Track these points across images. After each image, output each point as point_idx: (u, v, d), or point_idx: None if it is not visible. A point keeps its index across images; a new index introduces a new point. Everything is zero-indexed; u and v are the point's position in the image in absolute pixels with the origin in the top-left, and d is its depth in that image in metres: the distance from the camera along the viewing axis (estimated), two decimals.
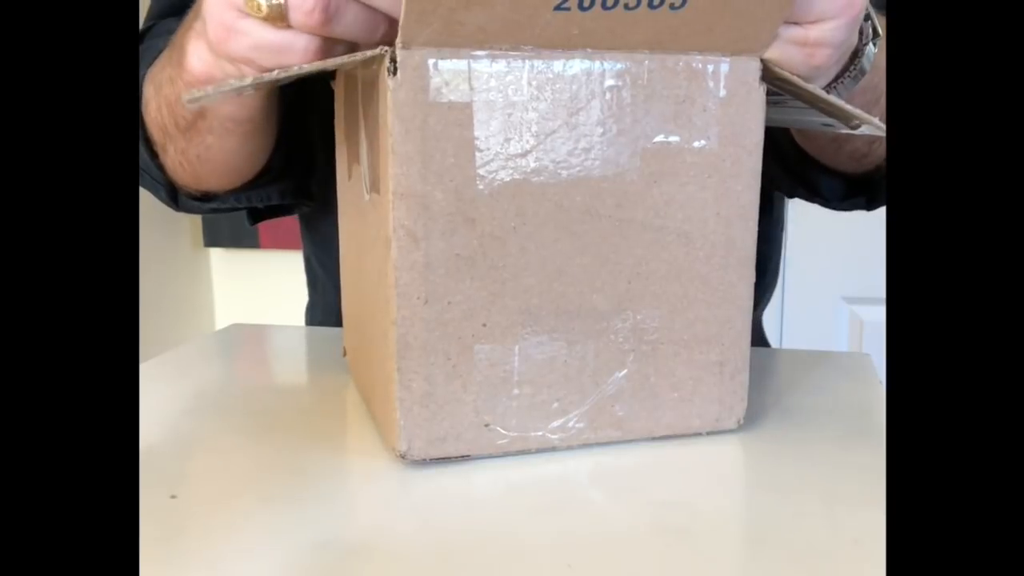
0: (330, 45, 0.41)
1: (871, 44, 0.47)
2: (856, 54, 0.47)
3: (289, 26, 0.40)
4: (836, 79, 0.47)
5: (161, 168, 0.60)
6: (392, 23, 0.40)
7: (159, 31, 0.63)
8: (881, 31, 0.47)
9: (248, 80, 0.40)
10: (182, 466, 0.44)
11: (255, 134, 0.57)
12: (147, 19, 0.67)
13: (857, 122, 0.45)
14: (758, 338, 0.85)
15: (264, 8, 0.39)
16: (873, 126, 0.44)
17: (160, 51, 0.56)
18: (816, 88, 0.44)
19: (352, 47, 0.41)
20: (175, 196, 0.63)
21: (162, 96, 0.55)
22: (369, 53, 0.38)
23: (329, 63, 0.39)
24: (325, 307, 0.79)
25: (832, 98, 0.44)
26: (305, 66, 0.40)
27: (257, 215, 0.69)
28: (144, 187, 0.63)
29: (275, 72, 0.40)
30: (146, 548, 0.35)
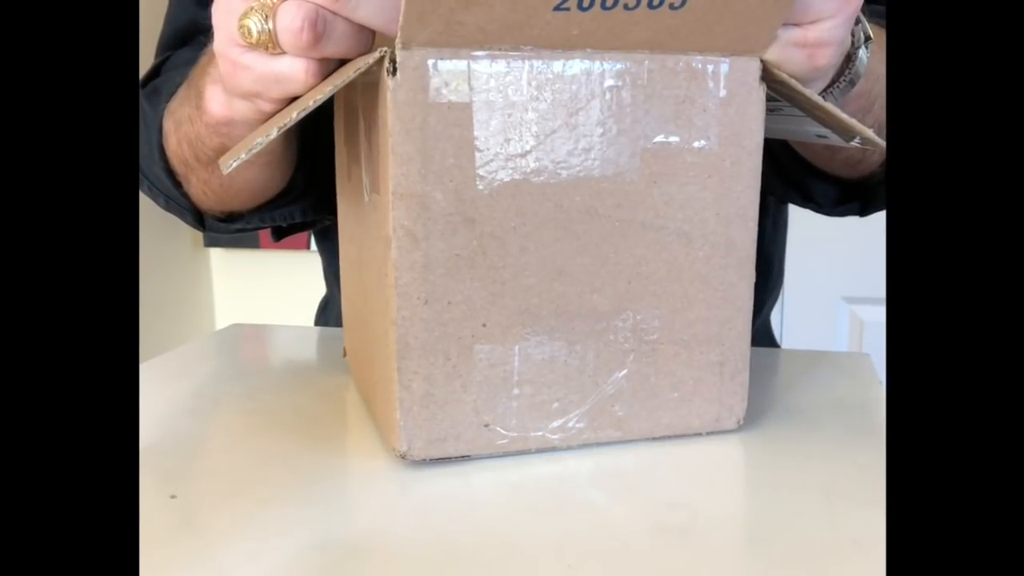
0: (327, 65, 0.41)
1: (863, 48, 0.47)
2: (849, 58, 0.47)
3: (283, 52, 0.40)
4: (831, 83, 0.47)
5: (186, 196, 0.62)
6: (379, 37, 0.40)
7: (175, 63, 0.64)
8: (872, 36, 0.47)
9: (273, 131, 0.40)
10: (182, 466, 0.44)
11: (275, 163, 0.58)
12: (159, 50, 0.68)
13: (851, 135, 0.45)
14: (766, 339, 0.85)
15: (254, 34, 0.40)
16: (866, 137, 0.44)
17: (178, 84, 0.57)
18: (813, 93, 0.44)
19: (343, 62, 0.41)
20: (202, 220, 0.65)
21: (182, 133, 0.56)
22: (370, 59, 0.38)
23: (338, 82, 0.39)
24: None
25: (828, 105, 0.44)
26: (319, 97, 0.39)
27: (281, 231, 0.71)
28: (172, 213, 0.65)
29: (294, 113, 0.40)
30: (146, 548, 0.35)
